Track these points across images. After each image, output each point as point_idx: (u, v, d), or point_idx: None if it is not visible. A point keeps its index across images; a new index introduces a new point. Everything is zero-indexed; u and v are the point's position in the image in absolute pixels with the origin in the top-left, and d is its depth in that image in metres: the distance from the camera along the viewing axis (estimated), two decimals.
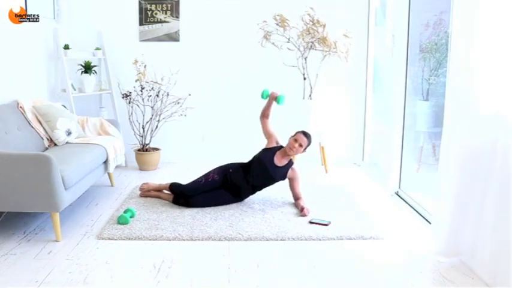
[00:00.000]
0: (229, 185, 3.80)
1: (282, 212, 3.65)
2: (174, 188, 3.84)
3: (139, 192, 4.04)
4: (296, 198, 3.84)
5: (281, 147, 3.88)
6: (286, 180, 3.86)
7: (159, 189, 3.98)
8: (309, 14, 4.65)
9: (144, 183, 4.08)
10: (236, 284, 2.56)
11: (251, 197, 3.95)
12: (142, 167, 5.04)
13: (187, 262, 2.81)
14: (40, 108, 4.00)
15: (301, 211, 3.60)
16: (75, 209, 3.67)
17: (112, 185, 4.37)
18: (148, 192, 3.99)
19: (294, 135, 3.87)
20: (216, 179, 3.79)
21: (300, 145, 3.76)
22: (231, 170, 3.81)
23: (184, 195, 3.75)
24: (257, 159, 3.83)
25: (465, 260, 2.78)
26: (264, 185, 3.85)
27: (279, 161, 3.80)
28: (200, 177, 3.84)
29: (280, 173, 3.80)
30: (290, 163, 3.84)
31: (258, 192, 3.92)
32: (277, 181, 3.84)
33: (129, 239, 3.12)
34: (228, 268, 2.73)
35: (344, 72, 5.14)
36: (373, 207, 3.85)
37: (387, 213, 3.76)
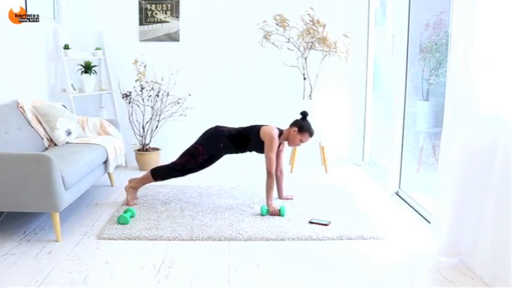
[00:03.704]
0: (221, 154, 3.79)
1: None
2: (162, 176, 3.79)
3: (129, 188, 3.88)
4: (280, 171, 3.90)
5: (281, 132, 3.75)
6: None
7: (137, 185, 3.87)
8: (309, 14, 4.65)
9: (127, 202, 3.81)
10: (236, 284, 2.56)
11: (251, 196, 3.97)
12: (142, 167, 5.04)
13: (187, 262, 2.81)
14: (40, 108, 4.00)
15: (288, 198, 3.94)
16: (75, 209, 3.67)
17: (112, 185, 4.37)
18: (134, 188, 3.87)
19: (302, 132, 3.70)
20: (205, 158, 3.73)
21: (303, 142, 3.77)
22: (221, 145, 3.71)
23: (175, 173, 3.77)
24: (258, 143, 3.68)
25: (465, 260, 2.78)
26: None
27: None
28: (188, 159, 3.71)
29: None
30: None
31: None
32: None
33: (129, 239, 3.12)
34: (228, 268, 2.73)
35: (344, 72, 5.15)
36: (373, 207, 3.85)
37: (387, 213, 3.76)
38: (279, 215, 3.54)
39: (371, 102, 5.27)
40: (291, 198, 3.96)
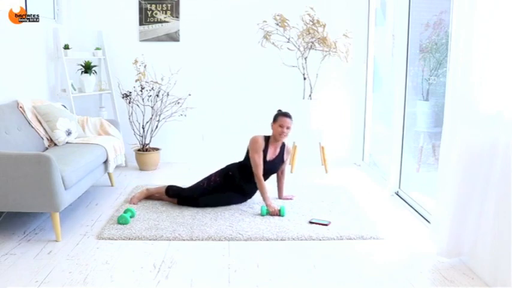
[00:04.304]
0: (233, 187, 3.78)
1: None
2: (173, 193, 3.79)
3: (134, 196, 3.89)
4: (282, 172, 3.94)
5: (268, 138, 3.80)
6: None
7: (152, 195, 3.90)
8: (309, 14, 4.65)
9: (132, 197, 3.86)
10: (236, 284, 2.56)
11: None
12: (142, 167, 5.04)
13: (187, 262, 2.81)
14: (40, 108, 4.00)
15: (287, 198, 3.96)
16: (75, 209, 3.67)
17: (112, 185, 4.37)
18: (147, 195, 3.91)
19: (276, 120, 3.76)
20: (218, 181, 3.76)
21: (288, 127, 3.75)
22: (230, 173, 3.78)
23: (189, 199, 3.74)
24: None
25: (465, 260, 2.78)
26: (267, 178, 3.86)
27: (273, 153, 3.80)
28: (202, 181, 3.81)
29: (279, 162, 3.85)
30: (283, 146, 3.86)
31: (258, 193, 3.92)
32: (280, 167, 3.91)
33: (129, 239, 3.12)
34: (228, 268, 2.73)
35: (344, 72, 5.15)
36: (373, 207, 3.85)
37: (387, 213, 3.76)
38: (279, 215, 3.54)
39: (371, 102, 5.27)
40: (291, 199, 3.96)
